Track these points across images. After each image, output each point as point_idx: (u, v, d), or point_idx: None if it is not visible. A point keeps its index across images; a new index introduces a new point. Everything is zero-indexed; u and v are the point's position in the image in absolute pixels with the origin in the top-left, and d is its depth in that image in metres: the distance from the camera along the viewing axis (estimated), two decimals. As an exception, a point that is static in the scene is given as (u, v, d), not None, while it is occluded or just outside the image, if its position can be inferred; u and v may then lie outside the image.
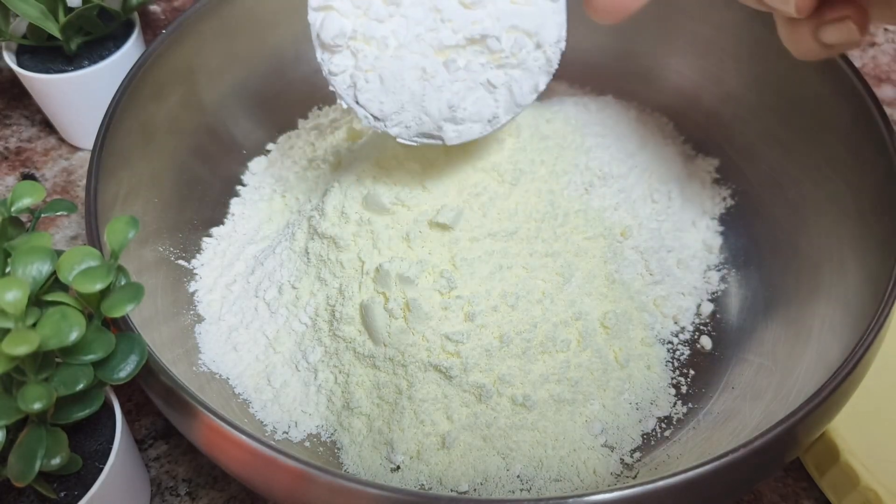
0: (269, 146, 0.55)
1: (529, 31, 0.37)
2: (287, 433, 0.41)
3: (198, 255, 0.48)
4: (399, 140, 0.39)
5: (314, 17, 0.37)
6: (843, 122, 0.43)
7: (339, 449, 0.41)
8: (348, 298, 0.41)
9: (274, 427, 0.41)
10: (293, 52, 0.54)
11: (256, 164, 0.54)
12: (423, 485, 0.40)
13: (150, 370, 0.34)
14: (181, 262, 0.47)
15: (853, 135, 0.42)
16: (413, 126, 0.38)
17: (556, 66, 0.39)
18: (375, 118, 0.38)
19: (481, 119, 0.38)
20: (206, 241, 0.49)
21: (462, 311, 0.40)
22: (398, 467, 0.40)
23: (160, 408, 0.35)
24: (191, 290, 0.46)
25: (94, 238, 0.38)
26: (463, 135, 0.38)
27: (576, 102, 0.52)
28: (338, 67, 0.37)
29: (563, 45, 0.38)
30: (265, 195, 0.52)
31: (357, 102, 0.38)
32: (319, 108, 0.57)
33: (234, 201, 0.52)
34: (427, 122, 0.38)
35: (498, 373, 0.40)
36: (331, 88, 0.38)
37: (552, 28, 0.38)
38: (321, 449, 0.41)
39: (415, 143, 0.39)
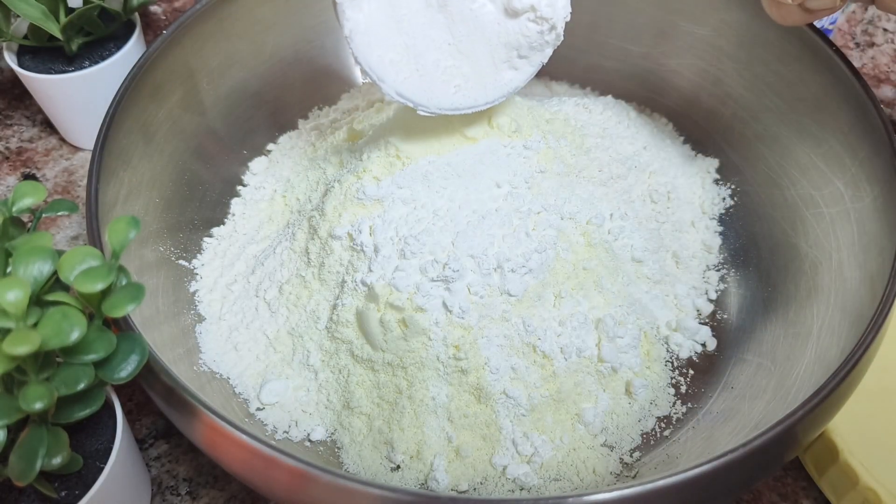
0: (270, 146, 0.55)
1: (547, 17, 0.40)
2: (287, 433, 0.41)
3: (198, 255, 0.48)
4: (420, 112, 0.41)
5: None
6: (843, 122, 0.43)
7: (339, 448, 0.41)
8: (345, 302, 0.42)
9: (274, 427, 0.41)
10: (293, 53, 0.55)
11: (257, 165, 0.54)
12: (423, 484, 0.40)
13: (151, 370, 0.34)
14: (182, 261, 0.47)
15: (852, 135, 0.43)
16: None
17: (562, 39, 0.41)
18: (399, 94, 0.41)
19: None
20: (207, 241, 0.49)
21: (461, 321, 0.40)
22: (398, 467, 0.40)
23: (161, 408, 0.36)
24: (191, 289, 0.46)
25: (94, 238, 0.38)
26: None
27: (576, 103, 0.52)
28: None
29: (569, 17, 0.40)
30: (266, 195, 0.52)
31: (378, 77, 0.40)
32: (319, 108, 0.57)
33: (234, 201, 0.52)
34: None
35: (498, 373, 0.40)
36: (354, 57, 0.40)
37: (563, 4, 0.40)
38: (321, 448, 0.41)
39: (433, 114, 0.41)
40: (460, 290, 0.40)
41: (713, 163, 0.52)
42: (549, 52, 0.42)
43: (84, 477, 0.36)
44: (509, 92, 0.42)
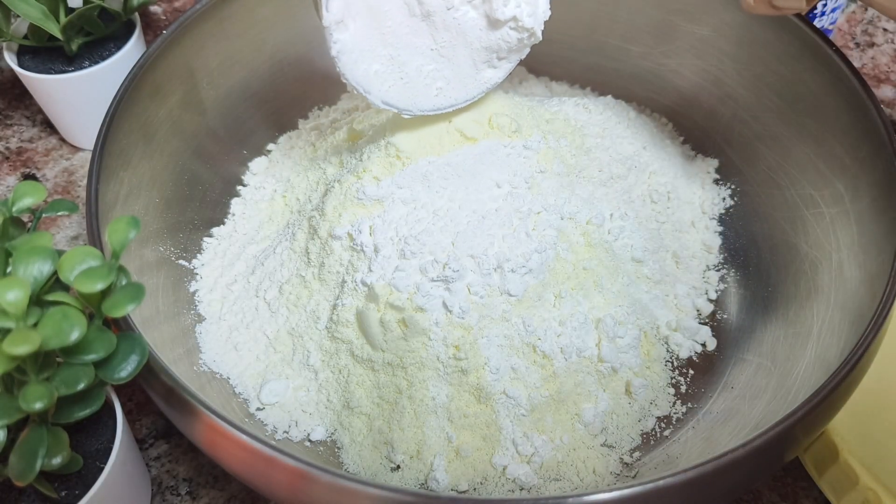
0: (270, 146, 0.55)
1: (528, 26, 0.40)
2: (287, 433, 0.41)
3: (198, 255, 0.48)
4: (404, 115, 0.42)
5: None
6: (842, 122, 0.43)
7: (339, 448, 0.41)
8: (345, 302, 0.41)
9: (274, 427, 0.41)
10: (293, 53, 0.55)
11: (257, 165, 0.54)
12: (423, 484, 0.40)
13: (151, 370, 0.34)
14: (182, 261, 0.47)
15: (852, 135, 0.43)
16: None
17: (540, 39, 0.42)
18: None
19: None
20: (207, 241, 0.49)
21: (461, 321, 0.40)
22: (398, 467, 0.40)
23: (161, 408, 0.36)
24: (191, 289, 0.46)
25: (94, 238, 0.38)
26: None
27: (576, 103, 0.52)
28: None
29: (548, 17, 0.41)
30: (266, 195, 0.52)
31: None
32: (319, 108, 0.57)
33: (234, 201, 0.52)
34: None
35: (498, 374, 0.40)
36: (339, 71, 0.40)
37: (543, 8, 0.40)
38: (321, 448, 0.41)
39: (415, 115, 0.42)
40: (460, 290, 0.40)
41: (713, 163, 0.52)
42: (527, 51, 0.43)
43: (84, 477, 0.36)
44: (488, 88, 0.44)
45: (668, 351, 0.45)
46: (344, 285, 0.42)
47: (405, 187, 0.43)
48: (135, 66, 0.45)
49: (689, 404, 0.43)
